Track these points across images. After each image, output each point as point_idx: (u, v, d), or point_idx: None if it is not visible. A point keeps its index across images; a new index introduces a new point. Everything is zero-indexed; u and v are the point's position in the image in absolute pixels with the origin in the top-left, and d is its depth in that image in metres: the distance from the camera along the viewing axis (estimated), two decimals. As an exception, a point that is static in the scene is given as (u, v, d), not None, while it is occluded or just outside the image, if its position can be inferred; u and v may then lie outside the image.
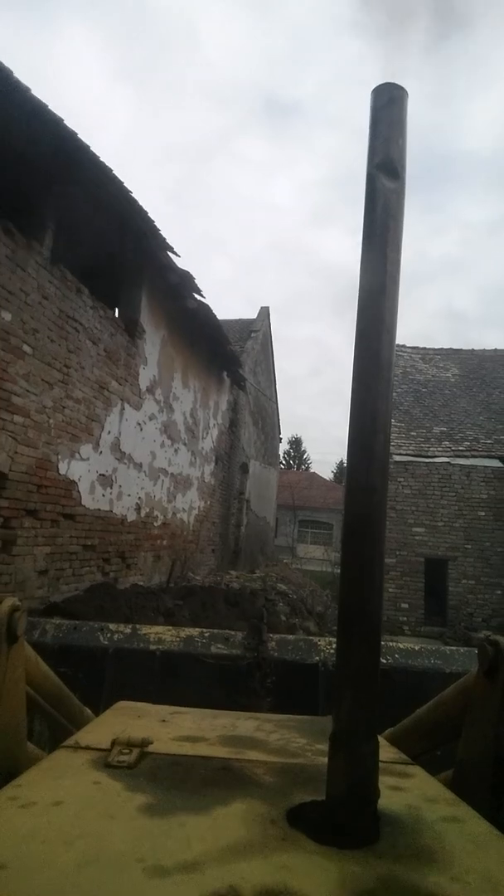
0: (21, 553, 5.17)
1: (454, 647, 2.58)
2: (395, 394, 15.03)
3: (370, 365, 0.88)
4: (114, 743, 1.05)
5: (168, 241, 6.86)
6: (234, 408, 13.74)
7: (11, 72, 4.00)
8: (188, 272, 7.65)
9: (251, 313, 19.27)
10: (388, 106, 0.96)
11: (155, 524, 8.65)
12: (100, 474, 6.70)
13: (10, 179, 4.86)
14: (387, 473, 0.88)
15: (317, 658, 2.36)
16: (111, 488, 7.03)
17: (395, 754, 1.18)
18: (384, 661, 2.22)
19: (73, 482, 6.08)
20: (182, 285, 7.96)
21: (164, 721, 1.31)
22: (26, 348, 5.11)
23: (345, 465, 14.27)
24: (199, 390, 10.63)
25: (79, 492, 6.20)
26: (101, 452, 6.70)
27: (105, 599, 5.93)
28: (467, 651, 2.44)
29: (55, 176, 5.22)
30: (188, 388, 10.02)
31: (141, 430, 7.94)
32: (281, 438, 23.51)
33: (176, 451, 9.51)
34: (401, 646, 2.48)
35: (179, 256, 7.19)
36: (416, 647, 2.47)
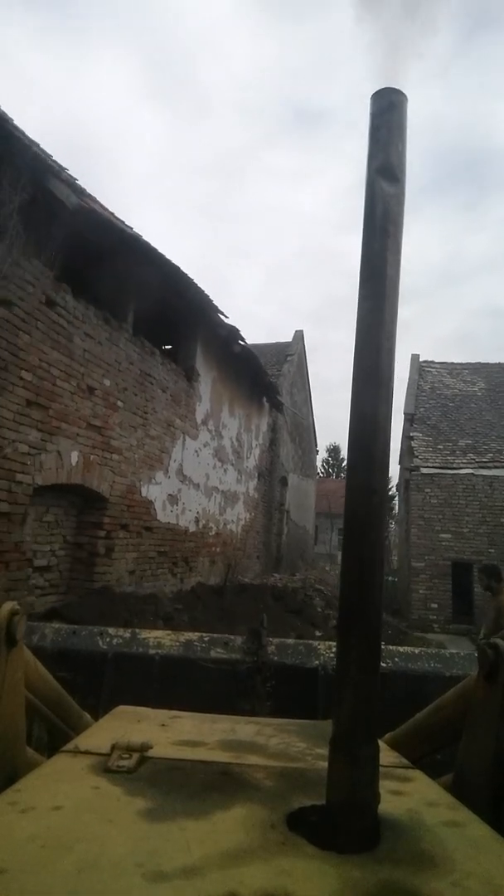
0: (118, 557, 6.86)
1: (454, 651, 2.59)
2: (423, 409, 16.32)
3: (370, 368, 0.88)
4: (113, 747, 1.05)
5: (217, 305, 8.53)
6: (273, 428, 15.29)
7: (126, 225, 5.71)
8: (234, 327, 9.30)
9: (283, 320, 20.91)
10: (387, 111, 0.96)
11: (210, 534, 10.26)
12: (168, 494, 8.36)
13: (107, 282, 6.60)
14: (386, 474, 0.88)
15: (316, 662, 2.36)
16: (177, 505, 8.68)
17: (396, 758, 1.17)
18: (384, 664, 2.20)
19: (151, 502, 7.75)
20: (229, 336, 9.61)
21: (163, 725, 1.30)
22: (119, 403, 6.82)
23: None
24: (242, 417, 12.24)
25: (155, 509, 7.87)
26: (169, 477, 8.37)
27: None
28: (467, 654, 2.44)
29: (138, 274, 6.96)
30: (234, 416, 11.64)
31: (197, 456, 9.58)
32: (318, 451, 24.88)
33: (225, 471, 11.13)
34: (400, 649, 2.49)
35: (227, 317, 8.86)
36: (416, 651, 2.48)
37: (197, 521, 9.58)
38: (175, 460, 8.58)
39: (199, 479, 9.64)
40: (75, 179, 5.72)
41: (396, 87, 0.96)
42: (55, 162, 5.50)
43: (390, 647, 2.46)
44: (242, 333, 9.77)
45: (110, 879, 0.66)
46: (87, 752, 1.06)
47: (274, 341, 20.22)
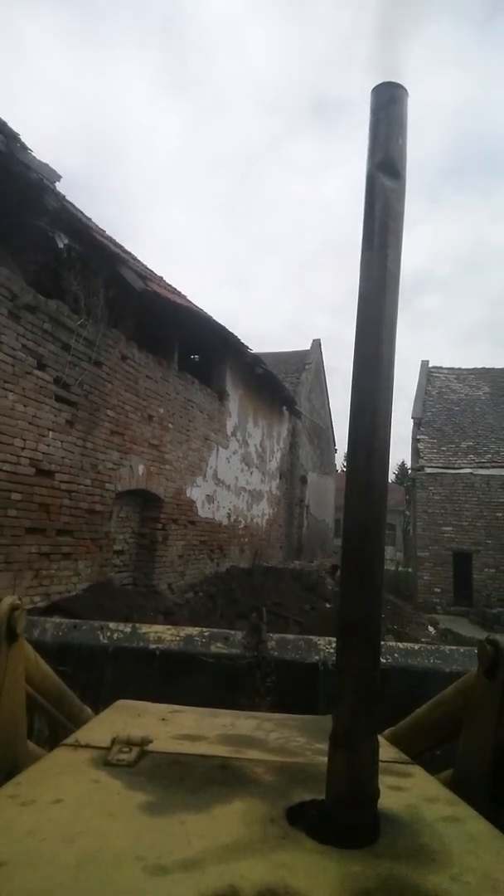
0: (171, 544, 8.86)
1: (454, 647, 2.60)
2: (430, 413, 18.18)
3: (371, 363, 0.88)
4: (114, 741, 1.05)
5: (243, 340, 10.46)
6: (293, 433, 17.16)
7: (178, 294, 7.66)
8: (256, 355, 11.24)
9: (304, 313, 22.70)
10: (388, 105, 0.95)
11: (239, 527, 12.23)
12: (206, 495, 10.34)
13: (161, 333, 8.58)
14: (387, 469, 0.87)
15: (316, 657, 2.35)
16: (213, 504, 10.66)
17: (395, 754, 1.17)
18: (384, 660, 2.18)
19: (194, 501, 9.74)
20: (253, 362, 11.53)
21: (163, 720, 1.31)
22: (170, 425, 8.80)
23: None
24: (265, 426, 14.16)
25: (196, 507, 9.85)
26: (206, 481, 10.34)
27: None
28: (467, 650, 2.44)
29: (185, 326, 8.94)
30: (257, 426, 13.56)
31: (228, 462, 11.53)
32: (336, 449, 26.63)
33: (251, 473, 13.07)
34: (400, 645, 2.50)
35: (252, 349, 10.78)
36: (416, 647, 2.48)
37: (229, 516, 11.54)
38: (211, 467, 10.55)
39: (230, 481, 11.60)
40: (135, 259, 7.68)
41: (396, 75, 0.94)
42: (126, 253, 7.49)
43: (390, 643, 2.49)
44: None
45: (111, 872, 0.66)
46: (87, 746, 1.06)
47: (292, 349, 22.04)
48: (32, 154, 5.53)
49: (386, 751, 1.06)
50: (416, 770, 1.08)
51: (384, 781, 0.84)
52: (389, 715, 1.29)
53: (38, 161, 5.49)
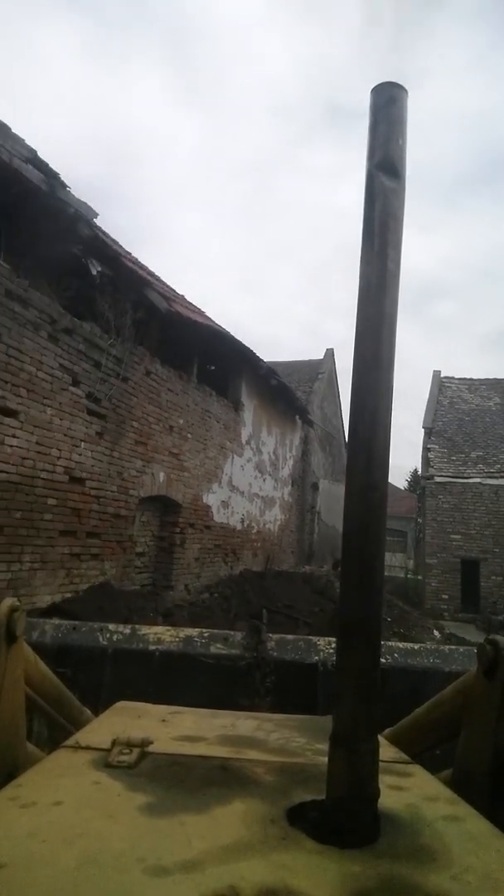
0: (188, 547, 9.38)
1: (453, 647, 2.58)
2: (441, 423, 18.54)
3: (370, 363, 0.88)
4: (114, 743, 1.05)
5: (259, 355, 10.98)
6: (305, 441, 17.62)
7: (199, 313, 8.20)
8: (271, 367, 11.74)
9: (319, 320, 23.21)
10: (387, 105, 0.95)
11: (252, 532, 12.71)
12: (222, 501, 10.85)
13: (182, 349, 9.12)
14: (387, 471, 0.87)
15: (316, 658, 2.35)
16: (228, 509, 11.16)
17: (395, 753, 1.18)
18: (384, 660, 2.18)
19: (209, 506, 10.25)
20: (267, 373, 12.04)
21: (163, 721, 1.31)
22: (189, 435, 9.34)
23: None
24: (278, 434, 14.64)
25: (212, 512, 10.36)
26: (222, 487, 10.85)
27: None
28: (466, 650, 2.44)
29: (205, 342, 9.48)
30: (271, 435, 14.05)
31: (242, 469, 12.04)
32: (348, 457, 27.00)
33: (264, 480, 13.55)
34: (400, 645, 2.49)
35: (266, 361, 11.30)
36: (416, 647, 2.47)
37: (242, 521, 12.04)
38: (226, 474, 11.06)
39: (244, 487, 12.10)
40: (159, 280, 8.23)
41: (408, 81, 0.95)
42: (151, 275, 8.05)
43: (390, 643, 2.48)
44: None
45: (111, 874, 0.66)
46: (87, 748, 1.06)
47: (305, 358, 22.51)
48: (70, 191, 6.10)
49: (386, 750, 1.06)
50: (417, 769, 1.08)
51: (384, 781, 0.85)
52: (389, 715, 1.29)
53: (77, 199, 6.06)
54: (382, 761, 0.85)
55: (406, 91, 0.96)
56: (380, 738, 0.92)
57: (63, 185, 5.97)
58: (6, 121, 5.28)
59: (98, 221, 6.56)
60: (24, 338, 5.56)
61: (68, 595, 6.35)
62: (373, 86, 0.97)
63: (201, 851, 0.71)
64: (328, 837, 0.76)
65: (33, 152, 5.46)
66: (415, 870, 0.71)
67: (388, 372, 0.89)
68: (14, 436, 5.49)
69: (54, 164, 5.79)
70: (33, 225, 6.09)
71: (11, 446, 5.45)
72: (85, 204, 6.16)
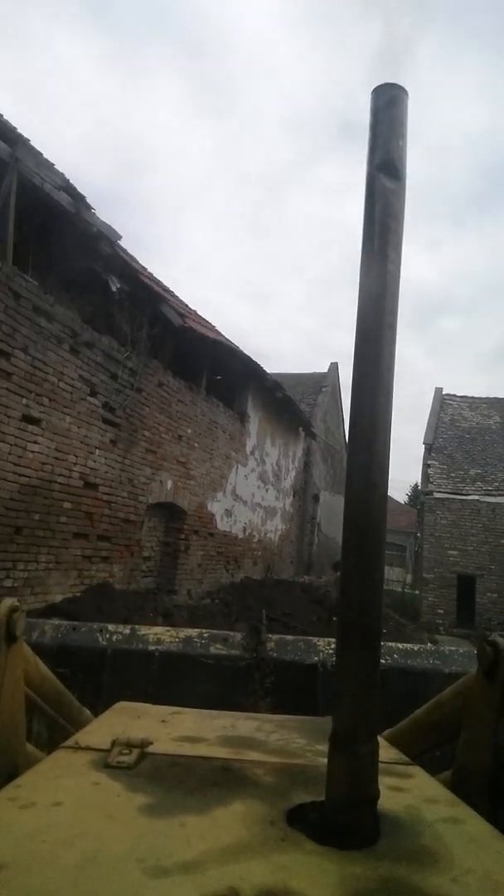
0: (192, 553, 9.67)
1: (453, 648, 2.57)
2: (441, 440, 18.86)
3: (371, 363, 0.88)
4: (113, 743, 1.06)
5: (264, 366, 11.34)
6: (308, 453, 17.94)
7: (211, 328, 8.55)
8: (277, 381, 12.09)
9: (325, 332, 23.51)
10: (388, 106, 0.95)
11: (254, 541, 12.99)
12: (225, 509, 11.14)
13: (193, 362, 9.48)
14: (387, 471, 0.88)
15: (316, 658, 2.36)
16: (231, 518, 11.46)
17: (395, 755, 1.18)
18: (384, 661, 2.18)
19: (213, 514, 10.55)
20: (273, 386, 12.40)
21: (163, 721, 1.31)
22: (196, 444, 9.66)
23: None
24: (281, 446, 14.97)
25: (216, 520, 10.66)
26: (226, 496, 11.15)
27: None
28: (466, 652, 2.43)
29: (214, 355, 9.84)
30: (275, 446, 14.38)
31: (246, 479, 12.34)
32: (349, 470, 27.31)
33: (266, 490, 13.85)
34: (400, 646, 2.47)
35: (271, 374, 11.64)
36: (416, 648, 2.46)
37: (244, 530, 12.33)
38: (230, 483, 11.37)
39: (247, 497, 12.40)
40: (174, 295, 8.59)
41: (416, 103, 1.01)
42: (167, 291, 8.41)
43: (390, 644, 2.47)
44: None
45: (111, 875, 0.67)
46: (87, 748, 1.07)
47: (310, 371, 22.89)
48: (95, 212, 6.48)
49: (386, 752, 1.07)
50: (416, 771, 1.09)
51: (384, 782, 0.85)
52: (389, 716, 1.30)
53: (102, 221, 6.44)
54: (382, 762, 0.85)
55: (406, 92, 0.96)
56: (379, 739, 0.92)
57: (88, 207, 6.35)
58: (37, 143, 5.66)
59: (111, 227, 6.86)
60: (49, 350, 5.91)
61: (78, 595, 6.64)
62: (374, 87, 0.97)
63: (201, 852, 0.72)
64: (328, 839, 0.76)
65: (65, 180, 5.84)
66: (415, 872, 0.71)
67: (389, 371, 0.89)
68: (36, 442, 5.82)
69: (71, 170, 6.16)
70: (59, 243, 6.46)
71: (33, 452, 5.78)
72: (109, 226, 6.53)
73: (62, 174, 5.94)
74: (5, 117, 5.14)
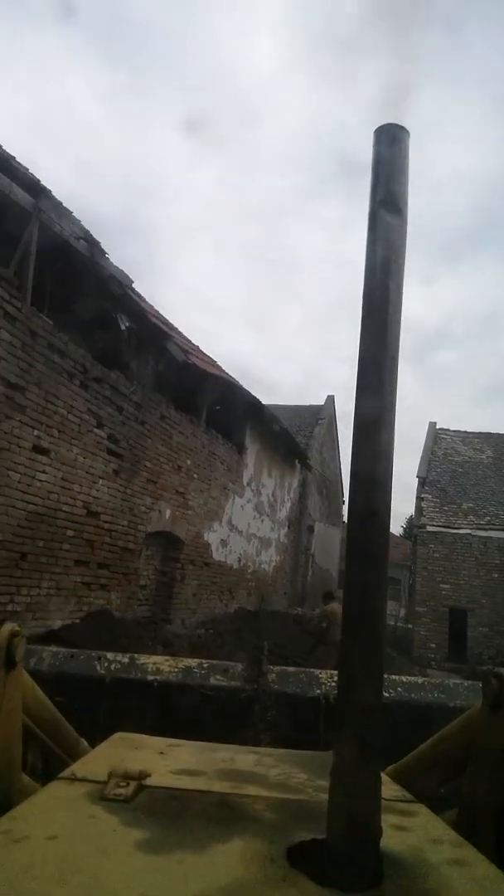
0: (187, 583, 9.83)
1: (458, 681, 2.54)
2: (434, 473, 19.16)
3: (374, 396, 0.90)
4: (110, 775, 1.04)
5: (262, 396, 11.73)
6: (303, 484, 18.21)
7: (212, 363, 8.94)
8: (274, 414, 12.47)
9: (322, 364, 23.96)
10: (390, 145, 0.99)
11: (248, 571, 13.14)
12: (221, 539, 11.34)
13: (194, 397, 9.85)
14: (389, 497, 0.89)
15: (318, 691, 2.33)
16: (226, 548, 11.65)
17: (398, 791, 1.15)
18: (387, 694, 2.18)
19: (209, 544, 10.75)
20: (270, 418, 12.77)
21: (162, 753, 1.29)
22: (195, 475, 9.94)
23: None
24: (277, 477, 15.25)
25: (211, 550, 10.85)
26: (222, 526, 11.37)
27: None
28: (471, 685, 2.40)
29: (215, 390, 10.22)
30: (271, 477, 14.66)
31: (242, 509, 12.58)
32: (344, 501, 27.55)
33: (262, 521, 14.07)
34: (404, 679, 2.45)
35: (268, 409, 12.02)
36: (420, 681, 2.43)
37: (239, 560, 12.50)
38: (227, 513, 11.60)
39: (242, 527, 12.62)
40: (178, 332, 9.00)
41: (415, 144, 0.98)
42: (171, 329, 8.83)
43: (393, 677, 2.44)
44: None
45: None
46: (83, 780, 1.05)
47: (307, 403, 23.36)
48: (108, 258, 6.91)
49: (389, 788, 1.05)
50: (421, 809, 1.06)
51: (387, 821, 0.83)
52: (392, 751, 1.27)
53: (114, 266, 6.87)
54: (385, 800, 0.84)
55: (408, 132, 1.00)
56: (382, 775, 0.90)
57: (102, 252, 6.79)
58: (60, 195, 6.11)
59: (113, 254, 7.28)
60: (60, 385, 6.24)
61: (77, 621, 6.80)
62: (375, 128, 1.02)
63: (198, 892, 0.70)
64: (329, 879, 0.74)
65: (83, 228, 6.28)
66: None
67: (391, 404, 0.91)
68: (44, 471, 6.09)
69: (73, 197, 6.59)
70: (74, 285, 6.87)
71: (41, 481, 6.04)
72: (121, 270, 6.97)
73: (80, 222, 6.38)
74: (30, 171, 5.58)
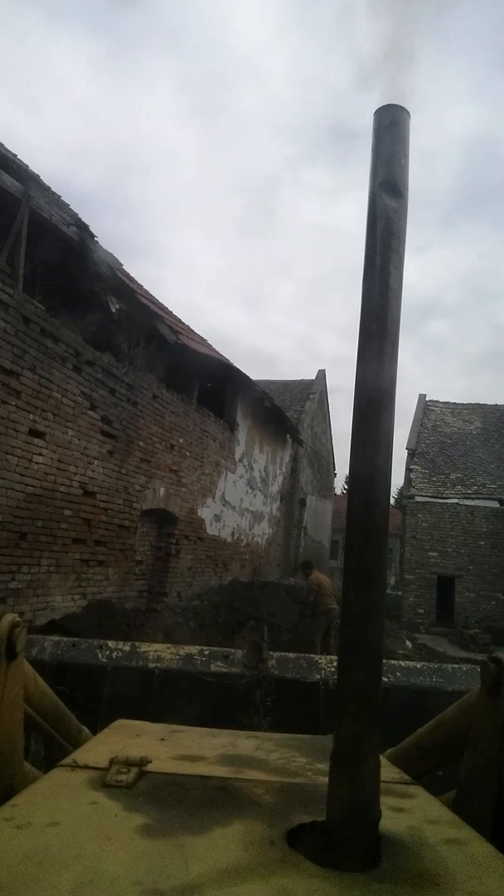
0: (182, 557, 10.15)
1: (456, 665, 2.57)
2: (423, 445, 19.55)
3: (374, 381, 0.89)
4: (112, 762, 1.05)
5: (255, 371, 11.86)
6: (295, 458, 18.49)
7: (203, 342, 9.04)
8: (265, 391, 12.64)
9: (315, 336, 24.12)
10: (390, 127, 0.97)
11: (241, 545, 13.49)
12: (214, 515, 11.63)
13: (185, 374, 9.97)
14: (388, 488, 0.89)
15: (317, 676, 2.35)
16: (220, 523, 11.95)
17: (397, 774, 1.17)
18: (385, 679, 2.17)
19: (203, 520, 11.04)
20: (261, 396, 12.93)
21: (162, 740, 1.30)
22: (187, 453, 10.15)
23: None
24: (269, 452, 15.49)
25: (205, 525, 11.15)
26: (215, 502, 11.64)
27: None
28: (469, 669, 2.43)
29: (205, 368, 10.35)
30: (263, 453, 14.90)
31: (235, 485, 12.84)
32: (336, 473, 27.93)
33: (254, 496, 14.36)
34: (402, 664, 2.48)
35: (259, 387, 12.17)
36: (418, 666, 2.46)
37: (233, 534, 12.83)
38: (220, 490, 11.86)
39: (235, 502, 12.91)
40: (169, 312, 9.07)
41: (409, 104, 0.95)
42: (161, 309, 8.89)
43: (392, 662, 2.46)
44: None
45: None
46: (85, 767, 1.06)
47: (298, 378, 23.46)
48: (97, 240, 6.95)
49: (387, 771, 1.06)
50: (418, 791, 1.08)
51: (385, 802, 0.84)
52: (391, 735, 1.28)
53: (103, 249, 6.91)
54: (384, 782, 0.85)
55: (408, 113, 0.99)
56: (381, 758, 0.91)
57: (92, 236, 6.83)
58: (45, 177, 6.12)
59: (99, 229, 7.37)
60: (53, 369, 6.37)
61: (77, 597, 7.10)
62: (375, 108, 0.99)
63: (199, 874, 0.71)
64: (329, 860, 0.75)
65: (72, 213, 6.32)
66: (417, 894, 0.70)
67: (391, 391, 0.90)
68: (40, 454, 6.27)
69: (60, 172, 6.64)
70: (64, 269, 6.92)
71: (38, 463, 6.23)
72: (110, 254, 7.01)
73: (69, 206, 6.41)
74: (19, 157, 5.59)
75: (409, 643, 10.89)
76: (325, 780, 0.84)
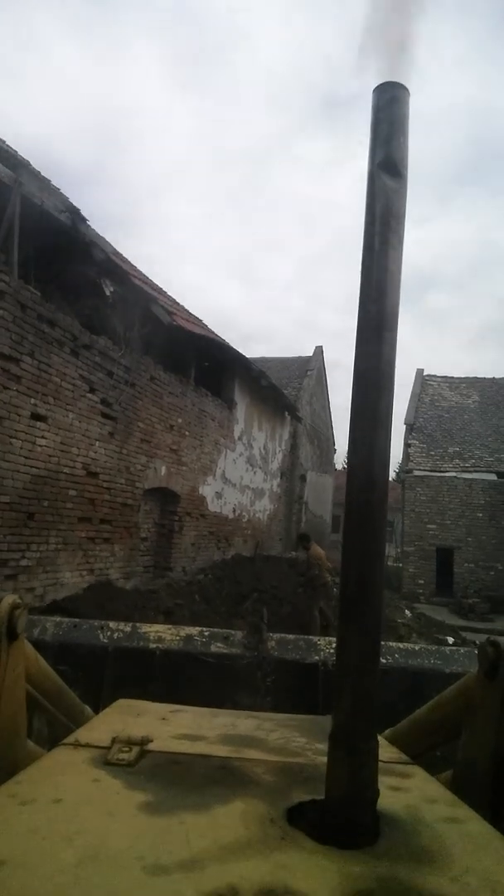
0: (185, 534, 10.44)
1: (454, 647, 2.60)
2: (421, 419, 19.72)
3: (372, 361, 0.89)
4: (114, 741, 1.07)
5: (252, 348, 11.99)
6: (294, 435, 18.69)
7: (198, 322, 9.16)
8: (262, 370, 12.77)
9: (312, 311, 24.14)
10: (389, 105, 0.96)
11: (243, 521, 13.80)
12: (216, 492, 11.90)
13: (183, 356, 10.11)
14: (387, 469, 0.89)
15: (317, 657, 2.38)
16: (221, 500, 12.22)
17: (395, 754, 1.18)
18: (384, 660, 2.18)
19: (204, 497, 11.30)
20: (258, 375, 13.07)
21: (164, 719, 1.32)
22: (187, 433, 10.35)
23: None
24: (268, 430, 15.69)
25: (207, 502, 11.41)
26: (216, 480, 11.89)
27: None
28: (467, 651, 2.47)
29: (202, 349, 10.48)
30: (262, 431, 15.10)
31: (235, 463, 13.08)
32: (336, 449, 28.16)
33: (255, 473, 14.61)
34: (401, 646, 2.52)
35: (256, 366, 12.30)
36: (416, 647, 2.50)
37: (234, 511, 13.12)
38: (220, 468, 12.10)
39: (235, 480, 13.16)
40: (163, 292, 9.18)
41: (401, 76, 0.94)
42: (156, 290, 8.99)
43: (391, 644, 2.51)
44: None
45: (110, 872, 0.67)
46: (87, 745, 1.07)
47: (296, 355, 23.51)
48: (89, 224, 7.05)
49: (386, 751, 1.07)
50: (416, 770, 1.09)
51: (384, 782, 0.86)
52: (389, 715, 1.30)
53: (94, 231, 7.01)
54: (382, 762, 0.86)
55: (408, 90, 0.97)
56: (380, 738, 0.93)
57: (83, 220, 6.92)
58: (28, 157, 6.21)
59: (90, 206, 7.50)
60: (52, 354, 6.54)
61: (84, 573, 7.39)
62: (375, 85, 0.97)
63: (200, 850, 0.72)
64: (327, 838, 0.77)
65: (63, 197, 6.40)
66: (414, 871, 0.72)
67: (389, 371, 0.90)
68: (43, 437, 6.49)
69: (50, 148, 6.74)
70: (57, 254, 7.04)
71: (41, 446, 6.45)
72: (102, 237, 7.11)
73: (60, 191, 6.50)
74: (8, 143, 5.67)
75: (408, 612, 11.23)
76: (325, 759, 0.86)
